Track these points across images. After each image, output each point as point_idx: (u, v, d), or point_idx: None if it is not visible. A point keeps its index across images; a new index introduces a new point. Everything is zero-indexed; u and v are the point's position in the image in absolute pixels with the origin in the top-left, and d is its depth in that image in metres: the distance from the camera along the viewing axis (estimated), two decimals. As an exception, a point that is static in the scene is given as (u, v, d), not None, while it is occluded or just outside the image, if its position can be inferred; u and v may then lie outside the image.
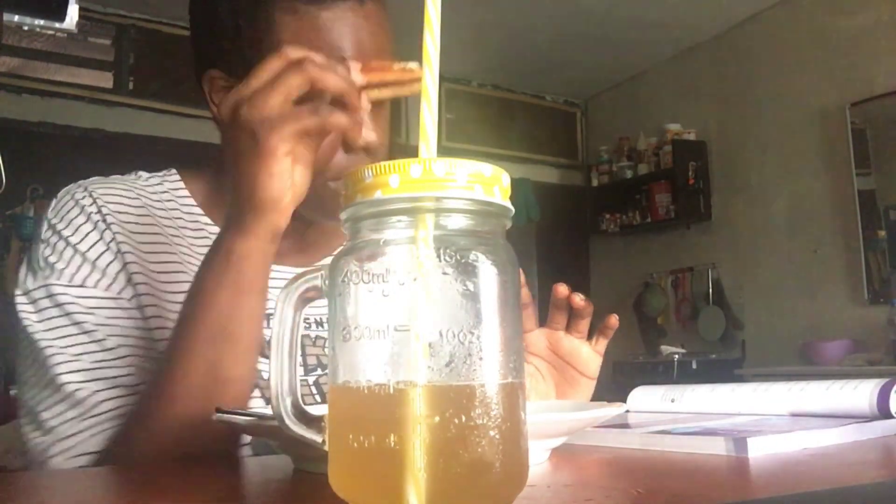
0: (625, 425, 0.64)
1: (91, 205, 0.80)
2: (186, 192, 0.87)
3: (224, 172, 0.83)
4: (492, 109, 5.24)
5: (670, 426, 0.61)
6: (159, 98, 4.19)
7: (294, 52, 0.63)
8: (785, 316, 4.07)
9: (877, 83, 3.67)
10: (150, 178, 0.87)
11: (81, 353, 0.73)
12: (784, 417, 0.65)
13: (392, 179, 0.33)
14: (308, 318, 0.82)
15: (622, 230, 5.07)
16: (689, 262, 4.70)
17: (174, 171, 0.89)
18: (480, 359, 0.32)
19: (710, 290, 4.52)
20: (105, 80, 4.15)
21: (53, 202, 0.82)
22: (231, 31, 0.77)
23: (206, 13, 0.81)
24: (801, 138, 4.03)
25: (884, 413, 0.60)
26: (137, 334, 0.76)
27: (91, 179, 0.84)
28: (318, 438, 0.36)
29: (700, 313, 4.57)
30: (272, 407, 0.37)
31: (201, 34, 0.82)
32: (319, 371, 0.81)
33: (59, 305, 0.75)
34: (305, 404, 0.38)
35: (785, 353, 3.96)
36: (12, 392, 3.49)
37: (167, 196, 0.85)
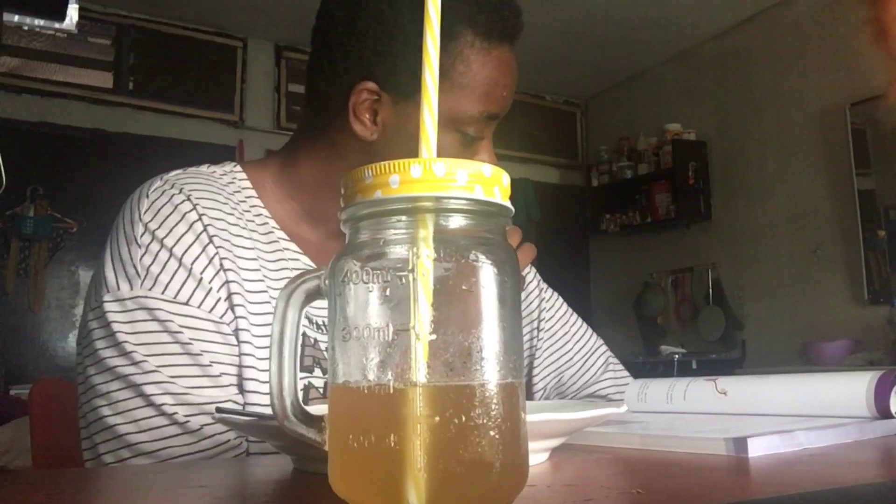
0: (624, 423, 0.64)
1: (191, 211, 0.74)
2: (253, 192, 0.82)
3: (284, 171, 0.82)
4: (492, 109, 5.23)
5: (670, 426, 0.61)
6: (159, 98, 4.20)
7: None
8: (785, 316, 4.07)
9: (877, 83, 3.67)
10: (222, 175, 0.82)
11: (184, 376, 0.68)
12: (784, 417, 0.65)
13: (392, 179, 0.32)
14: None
15: (622, 230, 5.07)
16: (689, 262, 4.70)
17: (238, 166, 0.84)
18: (481, 358, 0.32)
19: (710, 290, 4.53)
20: (105, 80, 4.16)
21: (140, 198, 0.75)
22: (411, 48, 0.74)
23: (380, 22, 0.76)
24: (801, 138, 4.03)
25: (883, 413, 0.60)
26: (237, 363, 0.72)
27: (177, 175, 0.78)
28: (318, 438, 0.36)
29: (700, 313, 4.57)
30: (272, 406, 0.37)
31: (368, 42, 0.77)
32: (315, 372, 0.78)
33: (159, 321, 0.69)
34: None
35: (785, 353, 3.96)
36: (12, 392, 3.49)
37: (238, 196, 0.80)
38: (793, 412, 0.66)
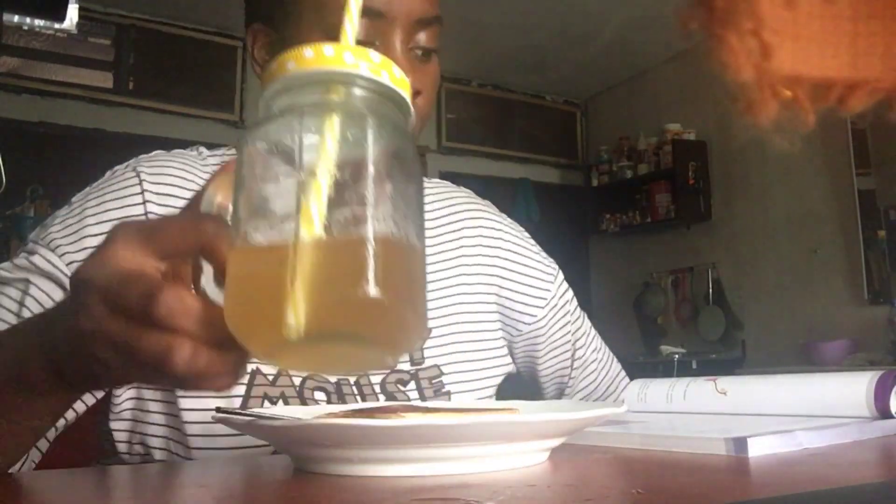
0: (624, 423, 0.64)
1: (136, 195, 0.72)
2: None
3: None
4: (492, 109, 5.25)
5: (670, 426, 0.61)
6: (159, 98, 4.20)
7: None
8: (785, 316, 4.07)
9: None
10: (210, 155, 0.81)
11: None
12: (784, 417, 0.65)
13: (290, 64, 0.37)
14: None
15: (622, 230, 5.07)
16: (689, 262, 4.70)
17: (234, 149, 0.82)
18: (364, 202, 0.34)
19: (710, 290, 4.53)
20: (105, 80, 4.16)
21: (106, 174, 0.76)
22: None
23: None
24: (801, 138, 4.03)
25: (883, 413, 0.60)
26: None
27: (151, 156, 0.77)
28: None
29: (700, 313, 4.57)
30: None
31: None
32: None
33: (25, 261, 0.69)
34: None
35: (785, 353, 3.96)
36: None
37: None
38: (793, 412, 0.66)
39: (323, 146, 0.34)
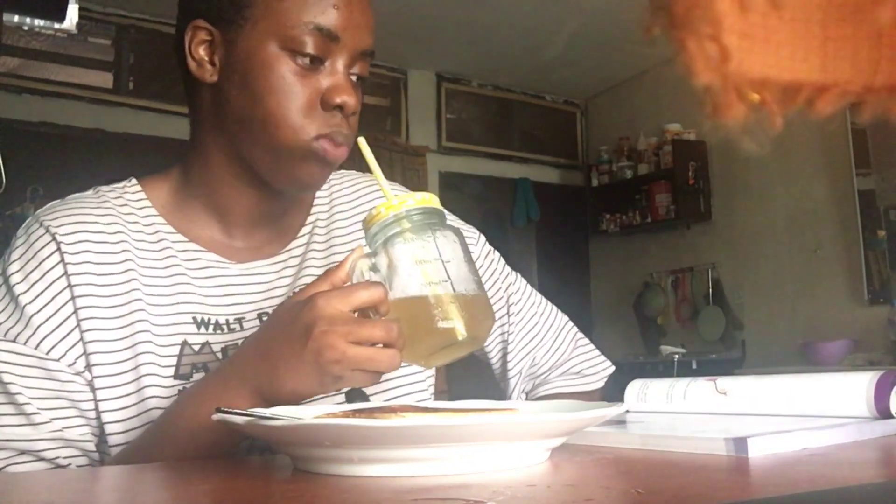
0: (624, 423, 0.64)
1: (49, 245, 0.75)
2: (147, 201, 0.83)
3: (199, 157, 0.81)
4: (492, 109, 5.25)
5: (670, 426, 0.61)
6: (159, 98, 4.19)
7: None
8: (785, 316, 4.07)
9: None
10: (108, 191, 0.83)
11: None
12: (784, 417, 0.65)
13: (410, 201, 0.66)
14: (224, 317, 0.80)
15: (622, 230, 5.07)
16: (689, 262, 4.70)
17: (133, 180, 0.85)
18: (459, 275, 0.65)
19: (710, 290, 4.53)
20: (105, 80, 4.16)
21: (15, 239, 0.78)
22: None
23: None
24: (801, 138, 4.03)
25: (883, 413, 0.60)
26: (71, 396, 0.73)
27: (51, 207, 0.80)
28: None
29: (700, 313, 4.57)
30: None
31: None
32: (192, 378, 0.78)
33: None
34: None
35: (785, 353, 3.96)
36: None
37: (125, 209, 0.81)
38: (793, 412, 0.66)
39: (438, 251, 0.65)
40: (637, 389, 0.78)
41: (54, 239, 0.75)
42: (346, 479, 0.44)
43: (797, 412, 0.66)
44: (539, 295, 1.01)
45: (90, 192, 0.83)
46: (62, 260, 0.75)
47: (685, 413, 0.73)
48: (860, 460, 0.49)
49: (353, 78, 0.78)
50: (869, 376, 0.62)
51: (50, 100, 3.91)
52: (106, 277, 0.76)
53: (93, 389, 0.74)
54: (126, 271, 0.77)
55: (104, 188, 0.84)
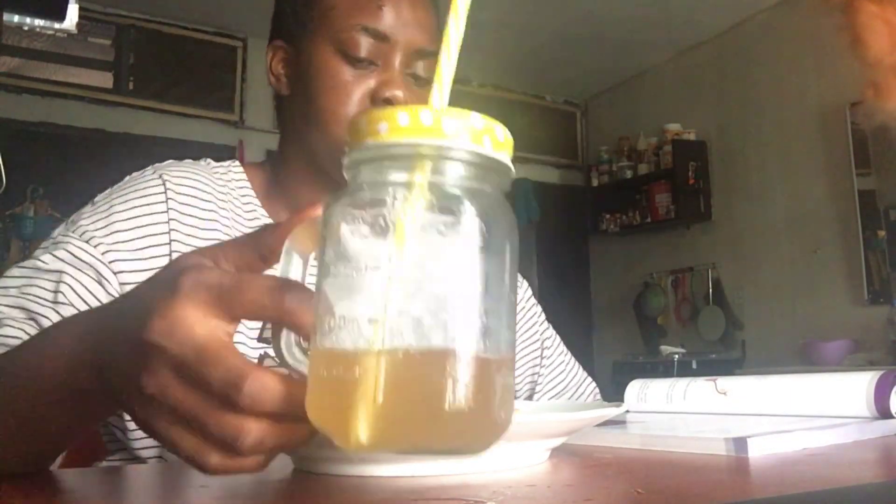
0: (624, 423, 0.64)
1: (159, 193, 0.77)
2: (247, 183, 0.85)
3: (283, 165, 0.85)
4: (492, 109, 5.20)
5: (670, 426, 0.61)
6: (159, 98, 4.20)
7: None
8: (785, 316, 4.07)
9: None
10: (217, 166, 0.86)
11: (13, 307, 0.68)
12: (784, 417, 0.65)
13: (381, 127, 0.33)
14: None
15: (622, 230, 5.07)
16: (689, 262, 4.70)
17: (237, 162, 0.88)
18: (456, 305, 0.32)
19: (710, 290, 4.53)
20: (105, 80, 4.16)
21: (126, 178, 0.80)
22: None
23: None
24: (801, 138, 4.03)
25: (883, 413, 0.60)
26: None
27: (169, 164, 0.82)
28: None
29: (700, 313, 4.57)
30: (273, 345, 0.36)
31: (277, 5, 0.86)
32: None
33: (55, 246, 0.72)
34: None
35: (785, 353, 3.96)
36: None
37: (229, 186, 0.84)
38: (793, 412, 0.66)
39: (404, 240, 0.32)
40: (637, 389, 0.78)
41: (164, 186, 0.78)
42: (346, 479, 0.44)
43: (797, 412, 0.66)
44: (564, 346, 1.05)
45: (202, 161, 0.86)
46: (167, 209, 0.76)
47: (685, 413, 0.73)
48: (860, 460, 0.49)
49: (413, 79, 0.80)
50: (869, 376, 0.62)
51: (50, 100, 3.91)
52: (206, 232, 0.77)
53: None
54: (230, 229, 0.79)
55: (213, 162, 0.86)
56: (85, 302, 0.70)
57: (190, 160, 0.85)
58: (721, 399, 0.71)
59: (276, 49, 0.84)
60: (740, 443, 0.48)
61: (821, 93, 3.92)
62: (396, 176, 0.33)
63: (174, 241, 0.75)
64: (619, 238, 5.16)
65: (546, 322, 1.04)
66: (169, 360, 0.35)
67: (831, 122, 3.87)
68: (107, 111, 4.05)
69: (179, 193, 0.78)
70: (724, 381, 0.72)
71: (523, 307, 0.99)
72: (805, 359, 3.77)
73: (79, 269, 0.71)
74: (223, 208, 0.80)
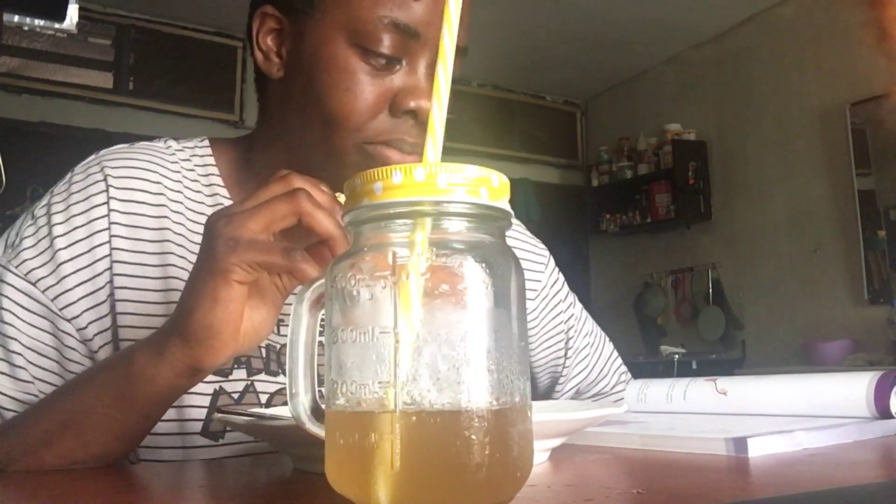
0: (624, 423, 0.64)
1: (100, 194, 0.70)
2: (214, 167, 0.77)
3: (260, 151, 0.76)
4: (492, 109, 5.24)
5: (670, 426, 0.61)
6: (159, 98, 4.20)
7: (297, 180, 0.53)
8: (785, 316, 4.07)
9: (877, 83, 3.66)
10: (179, 149, 0.77)
11: None
12: (784, 417, 0.65)
13: (375, 187, 0.33)
14: None
15: (622, 230, 5.07)
16: (689, 262, 4.70)
17: (206, 140, 0.79)
18: (466, 363, 0.32)
19: (710, 290, 4.53)
20: (105, 80, 4.15)
21: (70, 173, 0.73)
22: None
23: None
24: (801, 138, 4.03)
25: (883, 413, 0.60)
26: (72, 357, 0.68)
27: (115, 150, 0.74)
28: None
29: (700, 313, 4.57)
30: (290, 407, 0.37)
31: None
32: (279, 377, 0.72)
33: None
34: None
35: (785, 353, 3.96)
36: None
37: (185, 167, 0.75)
38: (793, 412, 0.66)
39: (409, 302, 0.32)
40: (637, 389, 0.78)
41: (106, 182, 0.71)
42: (346, 479, 0.44)
43: (797, 412, 0.66)
44: (591, 321, 0.98)
45: (160, 142, 0.77)
46: (108, 213, 0.70)
47: (685, 413, 0.73)
48: (860, 460, 0.49)
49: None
50: (869, 376, 0.62)
51: (50, 100, 3.91)
52: (140, 242, 0.71)
53: (92, 359, 0.68)
54: (164, 241, 0.72)
55: (175, 143, 0.77)
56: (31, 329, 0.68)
57: (144, 142, 0.77)
58: (721, 399, 0.71)
59: (266, 17, 0.71)
60: (740, 443, 0.48)
61: (821, 93, 3.92)
62: (396, 235, 0.33)
63: (115, 249, 0.69)
64: (619, 238, 5.16)
65: (570, 300, 0.94)
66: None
67: (831, 122, 3.87)
68: (107, 111, 4.05)
69: (121, 189, 0.71)
70: (724, 381, 0.72)
71: (546, 294, 0.89)
72: (805, 359, 3.77)
73: (28, 311, 0.67)
74: (175, 200, 0.73)
